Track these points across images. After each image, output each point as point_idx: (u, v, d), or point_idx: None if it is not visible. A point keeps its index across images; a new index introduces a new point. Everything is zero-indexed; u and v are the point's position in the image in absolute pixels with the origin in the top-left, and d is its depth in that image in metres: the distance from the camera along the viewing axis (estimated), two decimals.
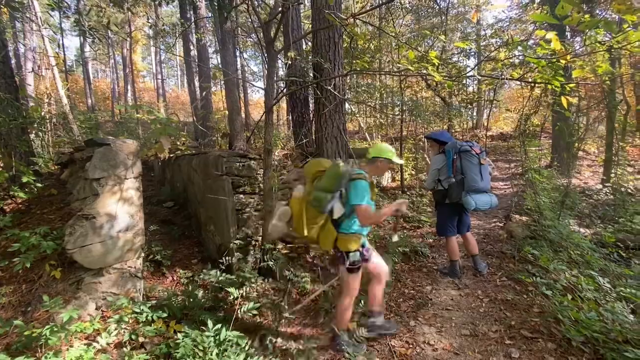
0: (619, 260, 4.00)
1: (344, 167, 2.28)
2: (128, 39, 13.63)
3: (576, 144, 7.60)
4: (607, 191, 6.94)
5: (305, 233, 2.33)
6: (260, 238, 3.66)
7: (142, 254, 3.00)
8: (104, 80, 28.03)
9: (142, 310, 2.51)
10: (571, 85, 3.31)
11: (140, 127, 11.04)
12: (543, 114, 9.37)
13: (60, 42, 15.61)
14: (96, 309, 2.60)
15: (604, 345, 2.21)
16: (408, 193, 7.46)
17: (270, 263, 3.32)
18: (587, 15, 2.04)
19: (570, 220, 5.16)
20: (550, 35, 1.98)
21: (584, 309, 2.58)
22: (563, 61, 2.46)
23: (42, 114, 5.80)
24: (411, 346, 2.50)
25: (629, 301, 2.70)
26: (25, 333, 2.05)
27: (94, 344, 2.16)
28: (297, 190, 2.51)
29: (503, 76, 3.28)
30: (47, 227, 2.80)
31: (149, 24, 10.58)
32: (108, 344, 2.23)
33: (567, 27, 7.43)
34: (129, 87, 19.09)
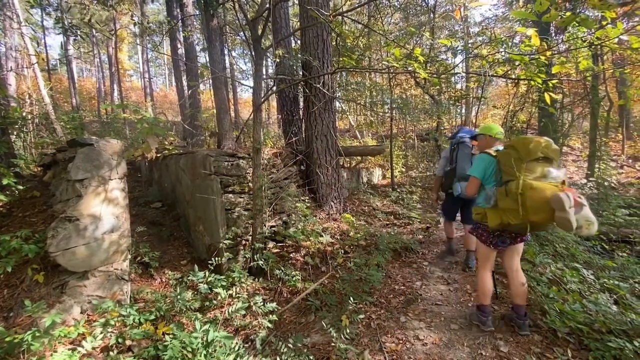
0: (602, 252, 4.11)
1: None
2: (113, 37, 13.32)
3: (561, 140, 7.76)
4: (591, 185, 7.09)
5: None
6: (250, 237, 3.64)
7: (129, 256, 2.94)
8: (90, 80, 27.40)
9: (129, 313, 2.47)
10: (553, 81, 3.38)
11: (127, 127, 10.82)
12: (529, 110, 9.55)
13: (43, 40, 15.19)
14: (81, 312, 2.54)
15: (588, 335, 2.27)
16: (398, 190, 7.51)
17: (261, 262, 3.31)
18: (568, 13, 2.08)
19: None
20: (530, 31, 2.01)
21: (568, 300, 2.64)
22: (544, 58, 2.50)
23: (24, 114, 5.64)
24: (401, 341, 2.52)
25: (612, 292, 2.78)
26: (7, 339, 1.99)
27: (79, 348, 2.12)
28: (557, 175, 2.17)
29: (487, 73, 3.33)
30: (29, 230, 2.73)
31: (134, 22, 10.35)
32: (94, 348, 2.19)
33: (551, 25, 7.57)
34: (115, 87, 18.65)
